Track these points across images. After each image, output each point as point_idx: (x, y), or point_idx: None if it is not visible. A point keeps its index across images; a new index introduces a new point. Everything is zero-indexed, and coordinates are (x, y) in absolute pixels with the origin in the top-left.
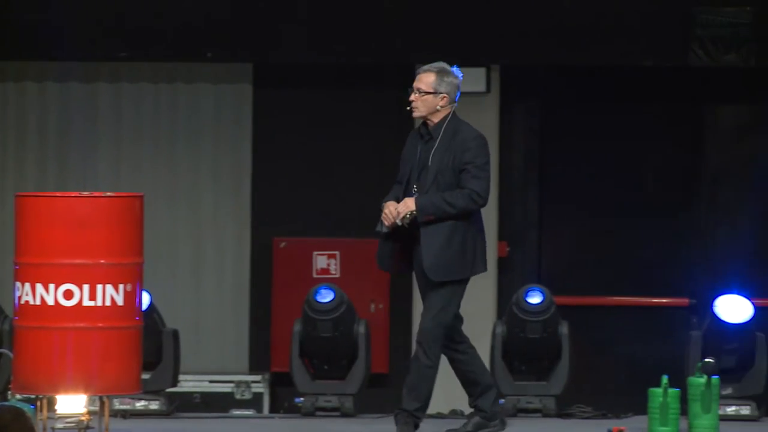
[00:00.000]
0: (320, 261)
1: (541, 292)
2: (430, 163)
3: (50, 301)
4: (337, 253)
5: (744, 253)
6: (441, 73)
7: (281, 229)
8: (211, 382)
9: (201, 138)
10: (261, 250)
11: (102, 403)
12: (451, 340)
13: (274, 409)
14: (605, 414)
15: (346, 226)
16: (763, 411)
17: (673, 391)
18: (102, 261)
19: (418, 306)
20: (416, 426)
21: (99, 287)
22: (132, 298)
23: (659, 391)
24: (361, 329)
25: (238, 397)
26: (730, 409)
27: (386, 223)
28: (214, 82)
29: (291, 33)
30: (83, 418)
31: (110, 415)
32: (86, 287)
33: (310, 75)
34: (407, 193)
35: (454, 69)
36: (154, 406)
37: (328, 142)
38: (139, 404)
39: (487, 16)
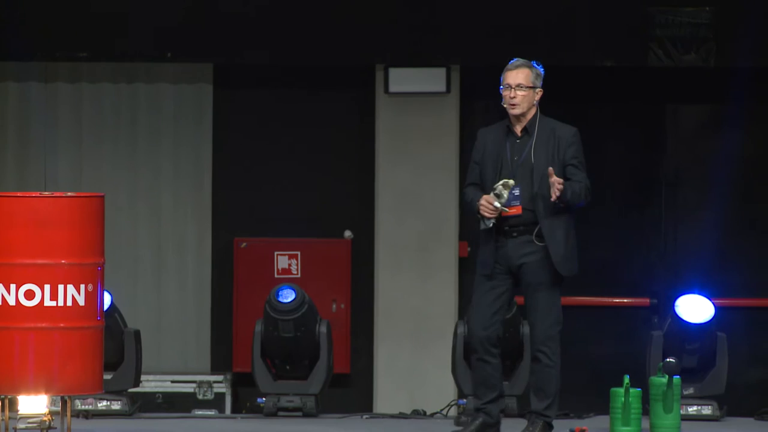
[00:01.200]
0: (281, 261)
1: None
2: (533, 160)
3: (11, 302)
4: (298, 253)
5: (705, 252)
6: (533, 68)
7: (242, 229)
8: (173, 382)
9: (161, 138)
10: (222, 250)
11: (64, 404)
12: (491, 341)
13: (236, 410)
14: (567, 414)
15: (307, 227)
16: (724, 411)
17: (635, 391)
18: (63, 261)
19: (380, 305)
20: (549, 426)
21: (60, 287)
22: (93, 298)
23: (621, 391)
24: (323, 329)
25: (200, 397)
26: (692, 409)
27: (488, 215)
28: (174, 82)
29: (251, 34)
30: (45, 418)
31: (72, 416)
32: (47, 287)
33: (270, 75)
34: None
35: (533, 63)
36: (116, 406)
37: (288, 141)
38: (101, 404)
39: (447, 16)
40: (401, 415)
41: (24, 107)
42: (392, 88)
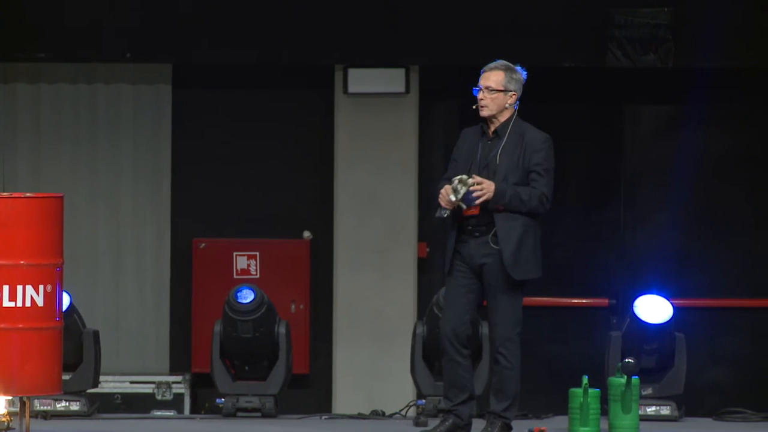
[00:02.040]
0: (240, 262)
1: None
2: (498, 163)
3: None
4: (257, 253)
5: (663, 253)
6: (509, 71)
7: (201, 229)
8: (131, 383)
9: (120, 138)
10: (181, 250)
11: (23, 404)
12: (460, 341)
13: (195, 410)
14: (526, 414)
15: (266, 227)
16: (683, 411)
17: (594, 392)
18: (22, 262)
19: (338, 306)
20: (508, 427)
21: (19, 288)
22: (52, 298)
23: (579, 391)
24: (282, 330)
25: (159, 397)
26: (651, 410)
27: (443, 204)
28: (133, 82)
29: (209, 33)
30: (4, 419)
31: (31, 416)
32: (6, 288)
33: (229, 75)
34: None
35: (518, 67)
36: (74, 406)
37: (247, 142)
38: (60, 405)
39: (406, 16)
40: (360, 416)
41: None
42: (351, 89)
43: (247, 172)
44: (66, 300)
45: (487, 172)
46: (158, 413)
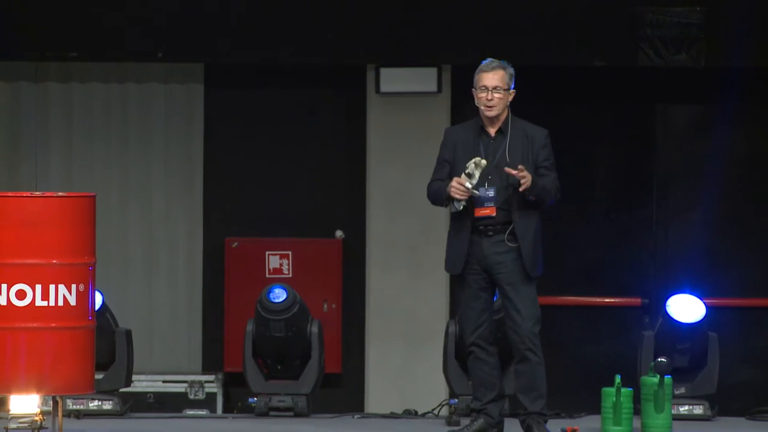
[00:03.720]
0: (273, 261)
1: None
2: (508, 160)
3: (2, 301)
4: (289, 253)
5: (696, 252)
6: (507, 69)
7: (233, 229)
8: (164, 382)
9: (152, 138)
10: (213, 250)
11: (55, 404)
12: (485, 340)
13: (227, 409)
14: (558, 414)
15: (298, 226)
16: (716, 410)
17: (626, 391)
18: (54, 261)
19: (371, 305)
20: (546, 422)
21: (51, 287)
22: (85, 298)
23: (612, 390)
24: (314, 329)
25: (191, 397)
26: (683, 409)
27: (459, 197)
28: (165, 81)
29: (241, 33)
30: (36, 418)
31: (63, 416)
32: (39, 287)
33: (261, 75)
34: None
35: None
36: (107, 406)
37: (279, 141)
38: (93, 404)
39: (438, 16)
40: (392, 415)
41: (15, 107)
42: (383, 88)
43: (279, 172)
44: (98, 299)
45: (497, 171)
46: (191, 412)
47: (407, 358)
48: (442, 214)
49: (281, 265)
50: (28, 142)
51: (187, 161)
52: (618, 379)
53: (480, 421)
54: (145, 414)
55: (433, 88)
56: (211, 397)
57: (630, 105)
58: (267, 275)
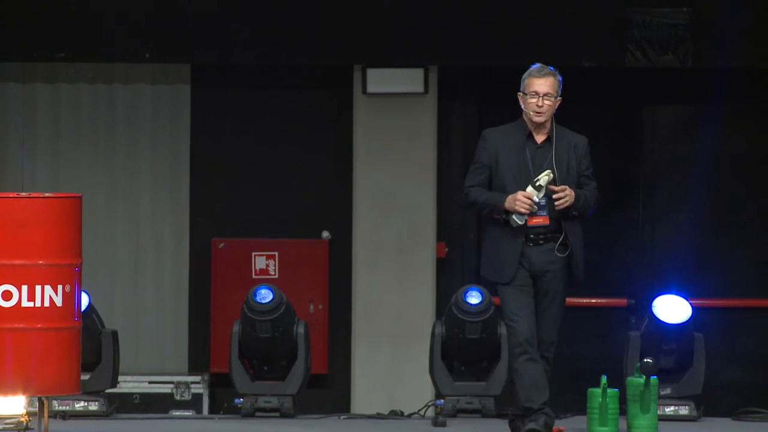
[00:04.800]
0: (259, 261)
1: (480, 292)
2: (556, 170)
3: None
4: (276, 253)
5: (682, 253)
6: (557, 76)
7: (220, 229)
8: (150, 383)
9: (139, 139)
10: (200, 250)
11: (41, 404)
12: (532, 345)
13: (213, 410)
14: None
15: (284, 227)
16: (701, 411)
17: (612, 392)
18: (41, 262)
19: (357, 306)
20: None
21: (38, 288)
22: (71, 298)
23: (598, 391)
24: (301, 330)
25: (177, 398)
26: (669, 410)
27: (524, 211)
28: (152, 82)
29: (228, 34)
30: (22, 419)
31: (50, 416)
32: (25, 288)
33: (248, 76)
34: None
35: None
36: (93, 406)
37: (266, 142)
38: (79, 405)
39: (424, 17)
40: (379, 416)
41: (2, 108)
42: (370, 89)
43: (266, 173)
44: (85, 300)
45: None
46: (177, 413)
47: (393, 359)
48: (429, 215)
49: (268, 265)
50: (15, 143)
51: (174, 162)
52: (604, 379)
53: (542, 419)
54: (131, 415)
55: (420, 88)
56: (197, 397)
57: (617, 106)
58: (253, 276)
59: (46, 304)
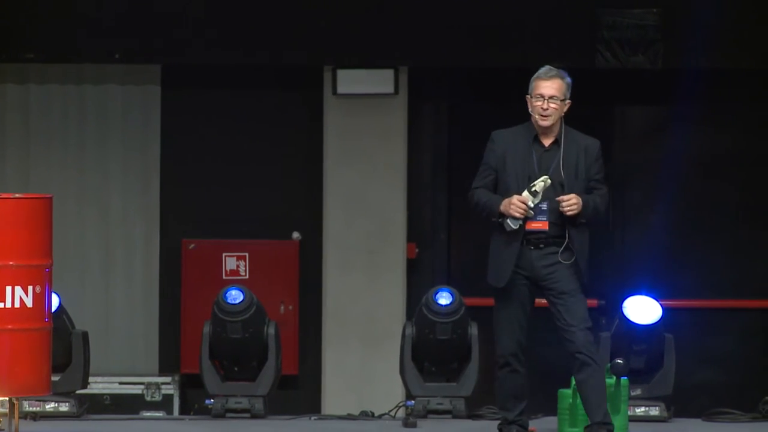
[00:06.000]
0: (229, 262)
1: (451, 293)
2: (563, 174)
3: None
4: (246, 254)
5: (652, 254)
6: (565, 78)
7: (190, 230)
8: (121, 383)
9: (109, 139)
10: (170, 251)
11: (11, 405)
12: (522, 351)
13: (184, 411)
14: None
15: (255, 228)
16: (672, 412)
17: None
18: (11, 263)
19: (328, 306)
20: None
21: (8, 289)
22: (41, 299)
23: (569, 392)
24: (271, 331)
25: (148, 398)
26: (640, 410)
27: (519, 215)
28: (122, 83)
29: (198, 34)
30: None
31: (20, 417)
32: None
33: (218, 76)
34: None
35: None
36: (63, 407)
37: (236, 143)
38: (49, 406)
39: (394, 17)
40: (349, 417)
41: None
42: (340, 90)
43: (236, 173)
44: (55, 301)
45: (552, 184)
46: (147, 414)
47: (364, 360)
48: (399, 216)
49: (238, 266)
50: None
51: (144, 163)
52: (574, 380)
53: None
54: (102, 415)
55: (390, 89)
56: (167, 398)
57: (587, 107)
58: (224, 277)
59: (17, 305)
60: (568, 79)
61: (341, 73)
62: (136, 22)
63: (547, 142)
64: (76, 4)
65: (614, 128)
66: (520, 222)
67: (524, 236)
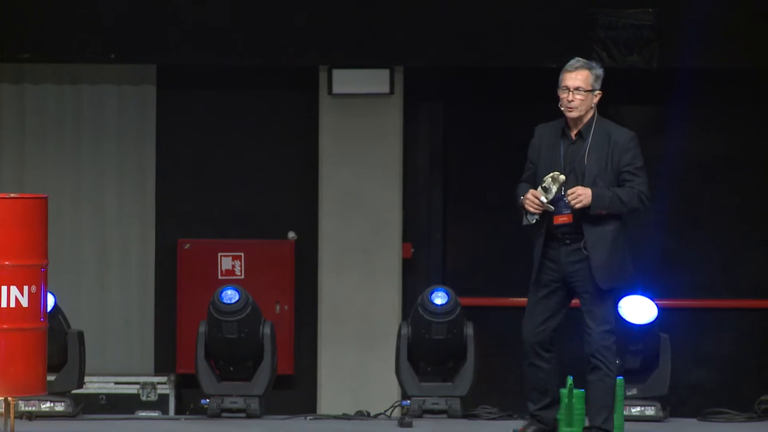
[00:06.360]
0: (225, 262)
1: (446, 293)
2: (586, 165)
3: None
4: (241, 254)
5: (647, 253)
6: (593, 69)
7: (186, 230)
8: (116, 383)
9: (105, 139)
10: (166, 251)
11: (7, 405)
12: (542, 346)
13: (179, 411)
14: (511, 415)
15: (250, 228)
16: (667, 412)
17: (578, 392)
18: (6, 263)
19: (323, 306)
20: None
21: (3, 289)
22: (37, 299)
23: (564, 391)
24: (267, 330)
25: (143, 398)
26: (635, 410)
27: (532, 210)
28: (118, 83)
29: (194, 34)
30: None
31: (15, 417)
32: None
33: (214, 76)
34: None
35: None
36: (59, 407)
37: (232, 143)
38: (45, 406)
39: (390, 18)
40: (345, 416)
41: None
42: (336, 89)
43: (232, 173)
44: (51, 301)
45: (574, 176)
46: (143, 414)
47: (360, 360)
48: (395, 216)
49: (233, 266)
50: None
51: (140, 163)
52: (570, 380)
53: (533, 428)
54: (98, 415)
55: (386, 89)
56: (163, 398)
57: None
58: (219, 277)
59: (12, 304)
60: (598, 71)
61: (337, 73)
62: (132, 23)
63: (574, 134)
64: (72, 4)
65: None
66: (537, 217)
67: (553, 231)
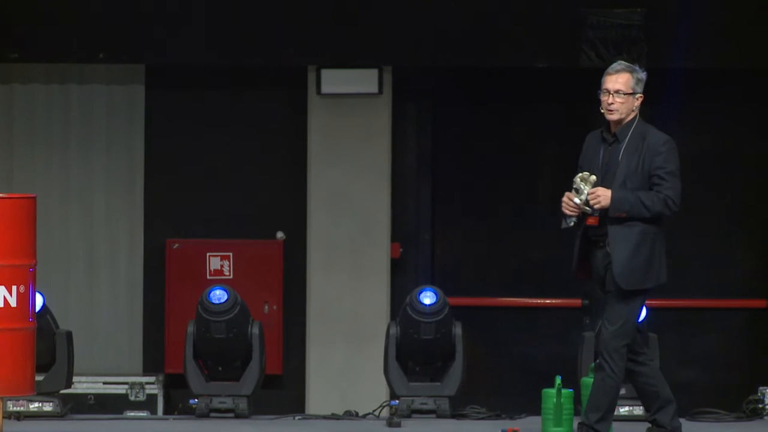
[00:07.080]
0: (213, 262)
1: (435, 292)
2: (619, 167)
3: None
4: (230, 254)
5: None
6: (635, 72)
7: (174, 230)
8: (105, 383)
9: (93, 139)
10: (154, 251)
11: None
12: (631, 351)
13: (168, 411)
14: (499, 415)
15: (239, 228)
16: None
17: (567, 392)
18: None
19: (312, 306)
20: None
21: None
22: (25, 299)
23: (553, 391)
24: (255, 330)
25: (132, 398)
26: (624, 410)
27: (569, 213)
28: (107, 83)
29: (183, 34)
30: None
31: (4, 417)
32: None
33: (203, 76)
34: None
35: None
36: (47, 407)
37: (220, 143)
38: (33, 406)
39: (379, 17)
40: (333, 416)
41: None
42: (324, 89)
43: (221, 173)
44: (39, 301)
45: (609, 178)
46: (131, 414)
47: (348, 360)
48: (383, 216)
49: (222, 266)
50: None
51: (128, 162)
52: (558, 380)
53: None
54: (86, 415)
55: (374, 89)
56: (151, 398)
57: (572, 106)
58: (208, 276)
59: (0, 304)
60: (641, 74)
61: (325, 73)
62: (121, 22)
63: (613, 136)
64: (60, 3)
65: (598, 128)
66: (574, 219)
67: (588, 233)
